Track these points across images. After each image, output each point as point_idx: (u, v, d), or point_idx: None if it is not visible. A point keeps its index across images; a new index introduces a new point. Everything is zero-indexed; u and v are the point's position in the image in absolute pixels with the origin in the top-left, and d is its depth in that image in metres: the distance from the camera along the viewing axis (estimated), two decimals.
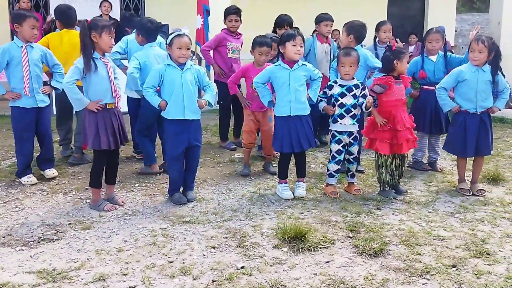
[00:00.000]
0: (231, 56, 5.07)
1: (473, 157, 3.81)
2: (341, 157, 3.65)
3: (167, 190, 3.67)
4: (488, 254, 2.71)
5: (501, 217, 3.28)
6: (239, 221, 3.19)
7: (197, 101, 3.47)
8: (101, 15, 7.45)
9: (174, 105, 3.41)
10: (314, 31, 5.29)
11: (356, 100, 3.60)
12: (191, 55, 4.02)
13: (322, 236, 2.92)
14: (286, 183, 3.69)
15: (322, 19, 4.99)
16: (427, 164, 4.45)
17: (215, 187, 3.93)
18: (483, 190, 3.75)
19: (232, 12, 5.03)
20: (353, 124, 3.63)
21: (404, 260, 2.64)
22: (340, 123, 3.61)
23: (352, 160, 3.72)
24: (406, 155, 3.75)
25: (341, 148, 3.65)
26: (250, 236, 2.95)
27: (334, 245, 2.82)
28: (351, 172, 3.76)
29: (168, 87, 3.42)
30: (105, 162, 3.43)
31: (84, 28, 3.26)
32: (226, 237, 2.94)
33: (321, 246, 2.79)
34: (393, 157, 3.64)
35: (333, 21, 4.98)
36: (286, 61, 3.58)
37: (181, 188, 3.63)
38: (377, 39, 5.01)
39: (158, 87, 3.48)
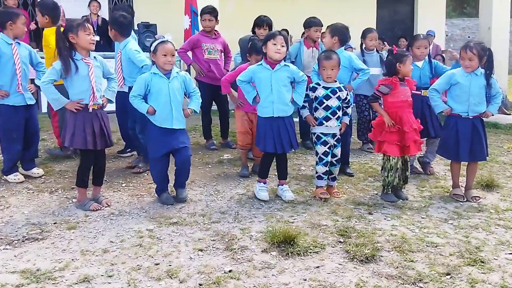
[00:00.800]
0: (207, 57, 4.96)
1: (467, 163, 3.76)
2: (328, 158, 3.60)
3: (155, 190, 3.60)
4: (482, 262, 2.64)
5: (495, 224, 3.22)
6: (227, 224, 3.11)
7: (183, 110, 3.46)
8: (90, 15, 7.39)
9: (162, 115, 3.40)
10: (303, 33, 5.25)
11: (341, 102, 3.58)
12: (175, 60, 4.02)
13: (312, 240, 2.84)
14: (265, 183, 3.65)
15: (312, 24, 4.92)
16: (418, 168, 4.42)
17: (203, 188, 3.85)
18: (478, 197, 3.69)
19: (206, 12, 4.93)
20: (338, 126, 3.62)
21: (397, 267, 2.57)
22: (326, 125, 3.57)
23: (335, 162, 3.66)
24: (408, 159, 3.69)
25: (327, 150, 3.60)
26: (238, 239, 2.87)
27: (325, 249, 2.74)
28: (333, 175, 3.71)
29: (156, 96, 3.40)
30: (91, 162, 3.39)
31: (59, 33, 3.26)
32: (213, 240, 2.86)
33: (311, 250, 2.71)
34: (401, 160, 3.59)
35: (322, 25, 4.93)
36: (268, 62, 3.54)
37: (172, 188, 3.55)
38: (364, 46, 5.09)
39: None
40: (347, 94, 3.67)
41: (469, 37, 17.04)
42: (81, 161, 3.38)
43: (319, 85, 3.61)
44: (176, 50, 4.43)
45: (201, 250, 2.72)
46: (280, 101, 3.51)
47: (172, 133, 3.43)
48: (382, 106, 3.65)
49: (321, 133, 3.60)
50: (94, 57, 3.35)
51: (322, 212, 3.35)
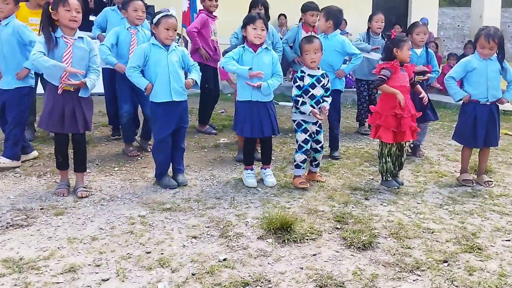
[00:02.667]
0: (213, 39, 4.87)
1: (479, 148, 3.73)
2: (308, 146, 3.52)
3: (154, 174, 3.51)
4: (479, 249, 2.62)
5: (490, 210, 3.20)
6: (222, 210, 3.04)
7: (184, 81, 3.36)
8: None
9: (160, 87, 3.29)
10: (300, 19, 5.14)
11: (324, 90, 3.49)
12: (177, 37, 3.86)
13: (309, 227, 2.78)
14: (251, 169, 3.56)
15: (308, 8, 4.80)
16: (409, 151, 4.39)
17: (199, 173, 3.76)
18: (491, 181, 3.69)
19: None
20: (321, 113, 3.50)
21: (394, 254, 2.52)
22: (309, 114, 3.46)
23: (319, 149, 3.58)
24: (405, 145, 3.63)
25: (307, 137, 3.51)
26: (233, 226, 2.80)
27: (321, 236, 2.69)
28: (317, 162, 3.63)
29: (154, 67, 3.29)
30: (63, 146, 3.24)
31: (45, 8, 3.09)
32: (208, 227, 2.79)
33: (307, 237, 2.65)
34: (396, 146, 3.54)
35: (319, 10, 4.78)
36: (250, 44, 3.43)
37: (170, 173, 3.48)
38: (370, 29, 5.05)
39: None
40: (328, 81, 3.55)
41: (458, 25, 17.05)
42: (54, 144, 3.29)
43: (304, 73, 3.48)
44: (186, 28, 4.31)
45: (195, 238, 2.64)
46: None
47: (174, 109, 3.34)
48: (380, 92, 3.58)
49: (302, 120, 3.50)
50: (81, 37, 3.13)
51: (318, 197, 3.30)
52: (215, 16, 4.93)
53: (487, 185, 3.64)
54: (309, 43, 3.46)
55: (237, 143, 4.36)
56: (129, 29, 4.07)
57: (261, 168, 3.62)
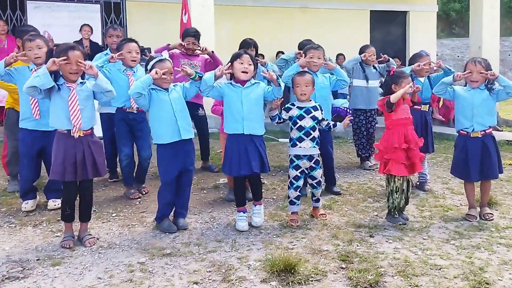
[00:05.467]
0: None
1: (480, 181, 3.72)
2: (299, 183, 3.51)
3: (155, 216, 3.47)
4: (487, 284, 2.57)
5: (497, 243, 3.16)
6: (224, 253, 3.00)
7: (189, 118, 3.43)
8: (81, 40, 7.35)
9: (168, 128, 3.30)
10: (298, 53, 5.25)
11: (315, 122, 3.52)
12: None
13: (313, 267, 2.74)
14: (243, 212, 3.44)
15: (307, 49, 4.89)
16: (415, 185, 4.38)
17: (198, 215, 3.73)
18: (491, 214, 3.65)
19: (191, 35, 4.89)
20: (314, 147, 3.52)
21: None
22: (300, 147, 3.48)
23: (315, 185, 3.57)
24: (411, 180, 3.62)
25: (299, 174, 3.51)
26: (236, 269, 2.75)
27: (327, 277, 2.64)
28: (316, 197, 3.63)
29: (158, 111, 3.32)
30: (73, 195, 3.15)
31: (49, 56, 3.12)
32: (209, 271, 2.74)
33: (312, 278, 2.61)
34: (404, 180, 3.52)
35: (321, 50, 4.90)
36: (237, 80, 3.46)
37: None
38: (363, 61, 5.17)
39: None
40: (322, 113, 3.59)
41: (458, 56, 17.38)
42: (62, 194, 3.20)
43: (294, 105, 3.56)
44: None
45: (196, 283, 2.60)
46: (251, 119, 3.38)
47: (181, 148, 3.33)
48: (385, 126, 3.58)
49: (294, 155, 3.51)
50: (81, 82, 3.15)
51: (322, 236, 3.26)
52: (196, 54, 4.90)
53: (486, 217, 3.59)
54: (300, 75, 3.57)
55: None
56: (125, 71, 4.11)
57: (252, 204, 3.55)
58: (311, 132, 3.51)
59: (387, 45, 10.67)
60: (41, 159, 3.90)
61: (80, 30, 7.51)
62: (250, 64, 3.43)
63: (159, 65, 3.29)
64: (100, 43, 7.80)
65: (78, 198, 3.24)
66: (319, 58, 4.14)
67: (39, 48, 3.69)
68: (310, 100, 3.59)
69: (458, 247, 3.09)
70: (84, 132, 3.09)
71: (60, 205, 3.73)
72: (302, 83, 3.52)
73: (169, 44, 4.83)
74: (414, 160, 3.48)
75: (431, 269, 2.76)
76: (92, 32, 7.58)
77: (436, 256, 2.95)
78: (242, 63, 3.41)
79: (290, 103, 3.65)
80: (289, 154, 3.59)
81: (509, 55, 17.76)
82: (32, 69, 3.68)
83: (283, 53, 9.61)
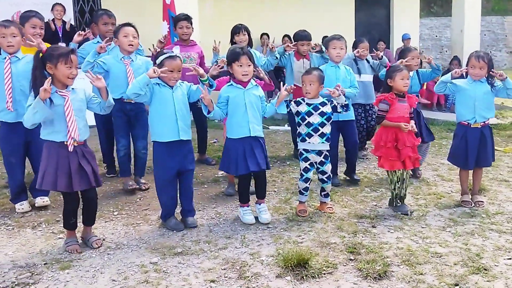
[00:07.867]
0: (184, 66, 4.90)
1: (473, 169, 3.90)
2: (309, 175, 3.63)
3: (160, 215, 3.48)
4: (485, 269, 2.76)
5: (489, 229, 3.36)
6: (235, 249, 3.07)
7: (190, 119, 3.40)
8: (53, 19, 6.88)
9: (167, 126, 3.27)
10: (283, 37, 5.26)
11: (324, 118, 3.59)
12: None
13: (324, 260, 2.87)
14: (247, 206, 3.54)
15: (299, 38, 4.94)
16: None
17: (203, 211, 3.76)
18: (482, 201, 3.84)
19: (183, 19, 4.85)
20: (322, 143, 3.59)
21: (408, 281, 2.65)
22: (309, 142, 3.59)
23: (325, 179, 3.67)
24: (407, 173, 3.75)
25: (308, 166, 3.62)
26: (250, 266, 2.84)
27: (337, 269, 2.79)
28: (325, 192, 3.73)
29: (159, 107, 3.28)
30: (74, 204, 3.07)
31: (37, 59, 2.89)
32: (224, 269, 2.81)
33: (324, 271, 2.74)
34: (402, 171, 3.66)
35: (310, 39, 4.96)
36: (238, 81, 3.46)
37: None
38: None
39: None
40: (332, 103, 3.62)
41: (436, 36, 17.62)
42: (64, 203, 3.08)
43: (304, 101, 3.63)
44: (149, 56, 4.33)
45: (213, 281, 2.66)
46: (255, 121, 3.42)
47: (179, 149, 3.31)
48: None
49: (303, 149, 3.62)
50: (72, 89, 2.98)
51: (327, 228, 3.39)
52: (192, 42, 4.91)
53: (478, 205, 3.80)
54: (306, 74, 3.63)
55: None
56: (122, 59, 3.96)
57: (255, 203, 3.59)
58: (319, 128, 3.58)
59: (371, 26, 10.75)
60: (26, 155, 3.74)
61: (52, 9, 6.98)
62: (249, 65, 3.42)
63: (168, 62, 3.24)
64: (72, 23, 7.32)
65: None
66: (341, 48, 4.21)
67: (14, 36, 3.51)
68: (318, 97, 3.65)
69: (454, 234, 3.28)
70: (78, 142, 2.96)
71: (48, 201, 3.73)
72: (306, 82, 3.58)
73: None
74: (402, 158, 3.61)
75: (432, 257, 2.94)
76: (65, 12, 7.09)
77: (436, 244, 3.13)
78: (241, 66, 3.39)
79: (301, 98, 3.66)
80: (298, 148, 3.70)
81: (484, 35, 18.13)
82: (5, 58, 3.50)
83: (267, 35, 9.57)
